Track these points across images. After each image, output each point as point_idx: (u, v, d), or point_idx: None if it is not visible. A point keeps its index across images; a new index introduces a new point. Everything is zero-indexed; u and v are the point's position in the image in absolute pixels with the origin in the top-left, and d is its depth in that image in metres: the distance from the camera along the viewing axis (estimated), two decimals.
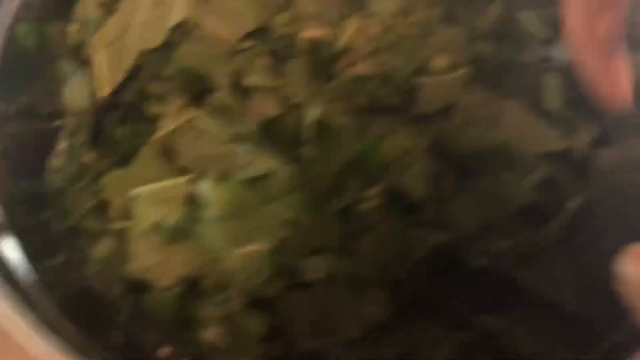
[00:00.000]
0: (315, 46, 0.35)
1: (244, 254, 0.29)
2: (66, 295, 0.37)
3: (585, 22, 0.29)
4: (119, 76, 0.34)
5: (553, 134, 0.34)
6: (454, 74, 0.35)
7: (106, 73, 0.34)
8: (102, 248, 0.36)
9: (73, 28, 0.40)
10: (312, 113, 0.31)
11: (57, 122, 0.40)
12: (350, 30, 0.35)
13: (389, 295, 0.33)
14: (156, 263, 0.33)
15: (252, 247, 0.29)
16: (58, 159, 0.38)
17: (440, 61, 0.36)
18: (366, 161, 0.32)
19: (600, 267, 0.27)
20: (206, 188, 0.30)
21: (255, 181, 0.30)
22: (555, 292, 0.33)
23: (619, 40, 0.29)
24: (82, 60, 0.37)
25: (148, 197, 0.31)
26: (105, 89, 0.35)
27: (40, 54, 0.39)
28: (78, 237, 0.38)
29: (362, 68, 0.35)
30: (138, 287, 0.35)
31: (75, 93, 0.35)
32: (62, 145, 0.38)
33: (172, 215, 0.31)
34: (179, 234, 0.32)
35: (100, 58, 0.35)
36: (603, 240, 0.34)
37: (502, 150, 0.33)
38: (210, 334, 0.33)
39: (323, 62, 0.35)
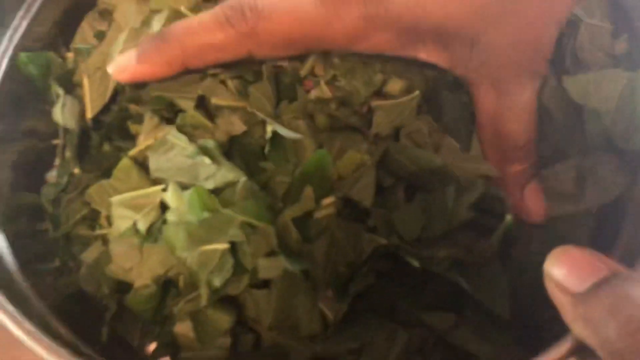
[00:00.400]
0: (279, 72, 0.39)
1: (203, 253, 0.33)
2: (59, 297, 0.40)
3: (498, 166, 0.37)
4: (103, 99, 0.38)
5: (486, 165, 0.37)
6: (406, 97, 0.38)
7: (92, 97, 0.38)
8: (91, 252, 0.40)
9: (69, 55, 0.44)
10: (269, 129, 0.35)
11: (55, 141, 0.45)
12: (312, 59, 0.39)
13: (342, 294, 0.36)
14: (133, 264, 0.36)
15: (210, 247, 0.33)
16: (53, 173, 0.42)
17: (394, 85, 0.39)
18: (320, 173, 0.35)
19: (536, 274, 0.30)
20: (169, 195, 0.33)
21: (216, 190, 0.34)
22: (491, 300, 0.35)
23: (530, 176, 0.37)
24: (74, 84, 0.41)
25: (123, 204, 0.35)
26: (91, 111, 0.39)
27: (42, 79, 0.44)
28: (71, 243, 0.42)
29: (322, 91, 0.39)
30: (122, 287, 0.39)
31: (66, 114, 0.39)
32: (56, 160, 0.42)
33: (144, 220, 0.35)
34: (151, 237, 0.35)
35: (87, 83, 0.39)
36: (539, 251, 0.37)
37: (443, 171, 0.36)
38: (182, 328, 0.36)
39: (286, 85, 0.39)
